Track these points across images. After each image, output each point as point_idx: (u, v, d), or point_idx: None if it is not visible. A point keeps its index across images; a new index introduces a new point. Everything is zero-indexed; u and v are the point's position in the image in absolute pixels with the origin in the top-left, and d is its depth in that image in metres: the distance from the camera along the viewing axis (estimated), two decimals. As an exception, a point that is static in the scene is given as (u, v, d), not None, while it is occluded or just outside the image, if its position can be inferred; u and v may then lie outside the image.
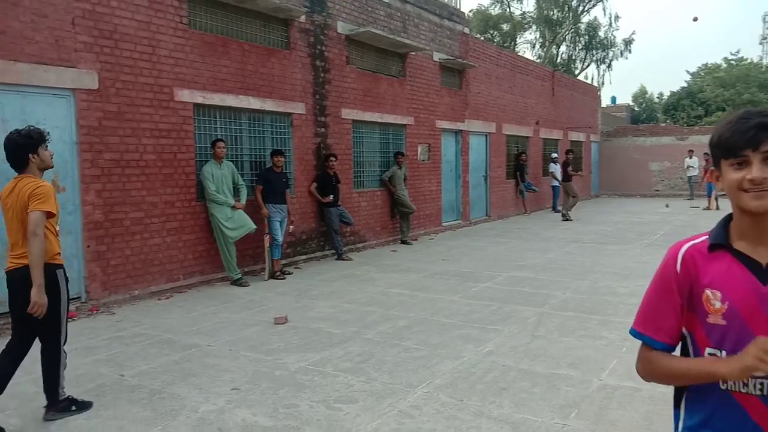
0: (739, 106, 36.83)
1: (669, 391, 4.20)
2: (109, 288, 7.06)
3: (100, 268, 6.95)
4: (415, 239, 12.52)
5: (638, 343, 1.64)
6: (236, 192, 8.24)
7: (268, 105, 9.18)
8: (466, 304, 6.81)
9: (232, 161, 8.42)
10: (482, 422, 3.74)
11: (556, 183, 18.12)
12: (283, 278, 8.55)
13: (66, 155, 6.64)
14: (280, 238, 8.72)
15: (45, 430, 3.80)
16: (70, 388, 4.40)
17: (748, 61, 42.62)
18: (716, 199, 18.32)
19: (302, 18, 9.74)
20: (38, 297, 3.61)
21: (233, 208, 8.04)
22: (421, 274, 8.69)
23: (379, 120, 11.73)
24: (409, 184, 12.63)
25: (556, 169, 18.05)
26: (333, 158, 10.00)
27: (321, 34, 10.24)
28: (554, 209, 18.54)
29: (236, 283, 8.12)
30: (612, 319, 6.09)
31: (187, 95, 7.93)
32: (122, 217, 7.18)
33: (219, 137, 8.27)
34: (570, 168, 16.68)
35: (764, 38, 66.73)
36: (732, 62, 41.79)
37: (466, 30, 15.09)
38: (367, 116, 11.37)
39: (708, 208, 18.37)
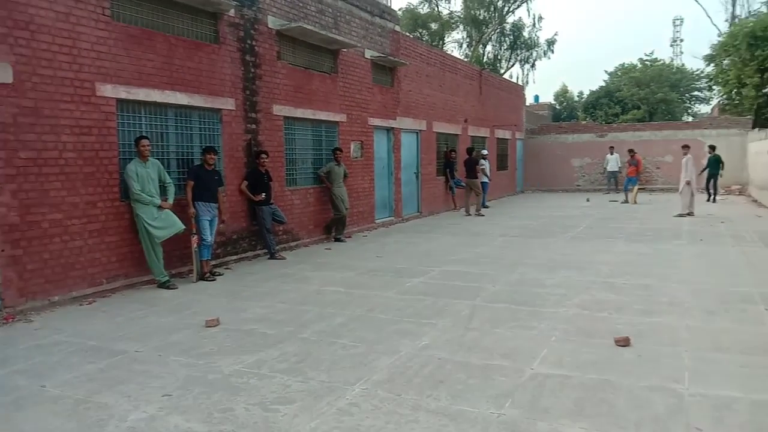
0: (653, 104, 38.97)
1: (598, 377, 4.39)
2: (27, 294, 6.65)
3: (15, 274, 6.54)
4: (349, 236, 12.50)
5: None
6: (163, 191, 7.96)
7: (196, 100, 8.91)
8: (401, 300, 6.87)
9: (158, 159, 8.12)
10: (420, 416, 3.78)
11: (485, 179, 18.52)
12: (213, 279, 8.33)
13: (-25, 153, 6.21)
14: (209, 238, 8.48)
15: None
16: (-15, 401, 4.15)
17: (661, 62, 45.04)
18: (625, 192, 19.44)
19: (231, 12, 9.51)
20: None
21: (160, 207, 7.75)
22: (356, 272, 8.68)
23: (312, 117, 11.62)
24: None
25: (486, 165, 18.52)
26: (264, 155, 9.82)
27: (251, 29, 10.03)
28: (483, 205, 18.95)
29: (163, 285, 7.85)
30: (540, 309, 6.29)
31: (109, 90, 7.58)
32: (40, 219, 6.78)
33: (144, 134, 7.94)
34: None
35: (674, 41, 70.79)
36: (646, 63, 44.02)
37: (397, 28, 15.18)
38: (299, 113, 11.24)
39: (626, 202, 19.35)
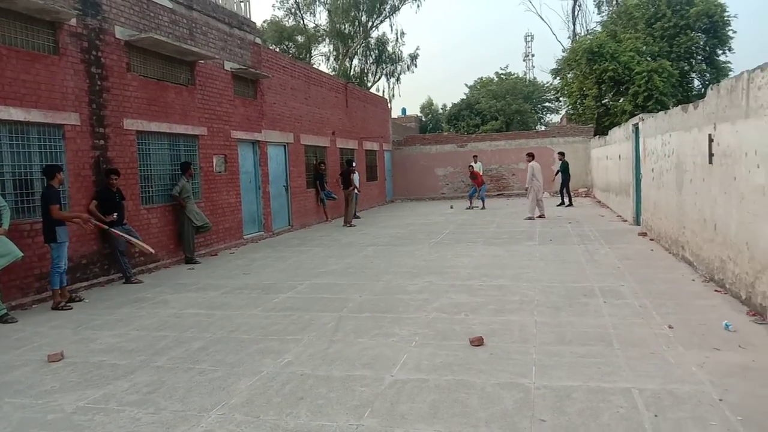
0: (509, 115, 41.59)
1: (453, 378, 4.54)
2: None
3: None
4: (215, 254, 12.07)
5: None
6: (-4, 216, 7.20)
7: (34, 116, 8.18)
8: (266, 317, 6.72)
9: (-11, 180, 7.36)
10: (278, 436, 3.70)
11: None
12: (70, 308, 7.67)
13: None
14: (65, 265, 7.85)
15: None
16: None
17: (515, 75, 48.29)
18: (482, 199, 20.52)
19: (72, 21, 8.87)
20: None
21: (-8, 234, 7.00)
22: (220, 291, 8.39)
23: (168, 131, 11.10)
24: (206, 197, 12.15)
25: (356, 177, 18.73)
26: (114, 175, 9.22)
27: (96, 39, 9.42)
28: (355, 215, 19.14)
29: (1, 320, 7.08)
30: (403, 315, 6.44)
31: (-77, 105, 6.75)
32: None
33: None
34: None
35: (527, 56, 76.33)
36: (502, 76, 46.98)
37: (258, 40, 14.98)
38: (154, 127, 10.69)
39: (470, 208, 20.53)
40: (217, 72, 12.81)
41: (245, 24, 14.20)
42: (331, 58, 42.27)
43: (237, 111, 13.64)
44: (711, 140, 7.17)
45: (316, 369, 4.88)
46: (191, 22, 11.96)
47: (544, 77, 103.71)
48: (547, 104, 48.09)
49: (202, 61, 12.17)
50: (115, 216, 9.11)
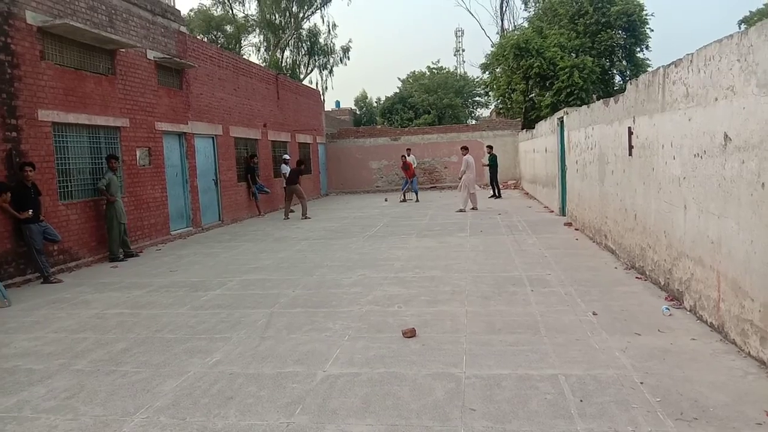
0: (441, 109, 42.13)
1: (386, 371, 4.53)
2: None
3: None
4: (140, 251, 11.61)
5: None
6: None
7: (-66, 106, 7.59)
8: (194, 316, 6.51)
9: None
10: (206, 438, 3.57)
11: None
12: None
13: None
14: None
15: None
16: None
17: (446, 69, 48.93)
18: (416, 192, 20.72)
19: (-24, 4, 8.28)
20: None
21: None
22: (145, 290, 8.06)
23: (88, 122, 10.55)
24: (129, 192, 11.66)
25: (287, 169, 18.48)
26: (30, 168, 8.69)
27: (5, 25, 8.82)
28: (291, 210, 18.86)
29: None
30: (336, 309, 6.39)
31: None
32: None
33: None
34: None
35: (457, 50, 77.52)
36: (434, 70, 47.50)
37: (183, 29, 14.46)
38: (72, 118, 10.14)
39: (404, 200, 20.73)
40: (139, 61, 12.29)
41: (169, 12, 13.67)
42: (262, 49, 41.58)
43: (161, 102, 13.14)
44: (631, 133, 7.47)
45: (246, 367, 4.76)
46: (111, 8, 11.40)
47: (474, 72, 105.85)
48: (477, 98, 49.04)
49: (123, 50, 11.64)
50: (30, 213, 8.59)
